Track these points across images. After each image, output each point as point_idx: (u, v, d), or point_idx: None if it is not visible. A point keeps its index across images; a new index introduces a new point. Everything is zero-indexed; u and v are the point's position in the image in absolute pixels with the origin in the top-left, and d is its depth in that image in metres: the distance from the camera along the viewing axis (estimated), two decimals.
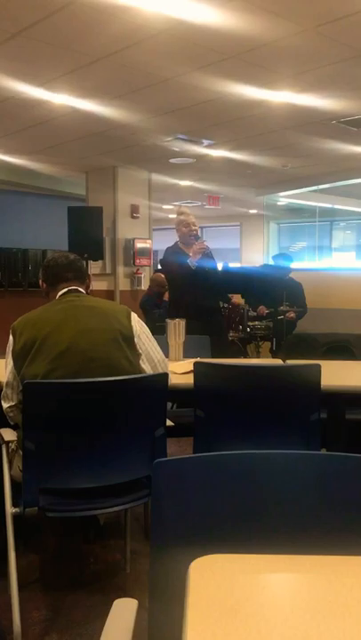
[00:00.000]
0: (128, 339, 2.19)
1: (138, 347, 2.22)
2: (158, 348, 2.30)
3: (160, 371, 2.25)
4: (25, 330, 2.12)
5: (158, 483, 1.11)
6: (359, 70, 4.73)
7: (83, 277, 2.36)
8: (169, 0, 3.56)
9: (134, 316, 2.27)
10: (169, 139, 6.95)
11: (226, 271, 6.16)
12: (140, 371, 2.22)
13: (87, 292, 2.37)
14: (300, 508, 1.17)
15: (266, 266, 7.88)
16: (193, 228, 4.49)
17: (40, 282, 2.40)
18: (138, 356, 2.22)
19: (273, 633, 0.73)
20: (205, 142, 7.12)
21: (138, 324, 2.26)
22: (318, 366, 2.29)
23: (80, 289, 2.31)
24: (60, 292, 2.28)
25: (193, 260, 4.34)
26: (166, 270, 4.77)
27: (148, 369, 2.24)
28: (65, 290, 2.28)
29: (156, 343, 2.31)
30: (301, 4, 3.62)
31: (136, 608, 0.95)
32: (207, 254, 4.50)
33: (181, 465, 1.15)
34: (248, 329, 6.70)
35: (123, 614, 0.92)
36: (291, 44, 4.18)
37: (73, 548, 2.76)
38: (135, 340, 2.21)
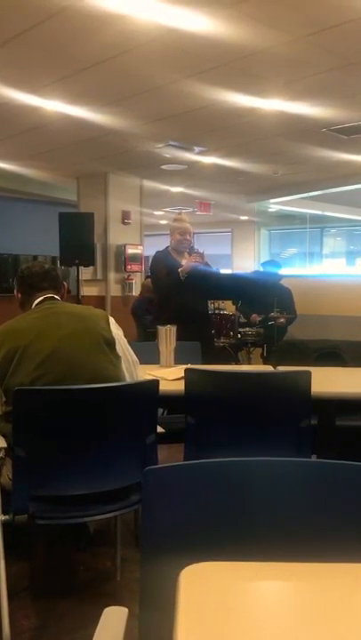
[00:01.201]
0: (110, 343, 2.20)
1: (118, 350, 2.24)
2: (132, 350, 2.34)
3: (133, 370, 2.28)
4: (5, 340, 2.11)
5: (149, 491, 1.10)
6: (349, 79, 4.77)
7: (58, 286, 2.35)
8: (161, 8, 3.58)
9: (112, 320, 2.28)
10: (160, 145, 6.97)
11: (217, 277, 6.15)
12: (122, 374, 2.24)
13: (62, 300, 2.37)
14: (291, 515, 1.17)
15: (257, 272, 7.90)
16: (187, 238, 4.45)
17: (15, 292, 2.38)
18: (119, 359, 2.24)
19: None
20: (197, 149, 7.15)
21: (116, 328, 2.28)
22: (309, 373, 2.30)
23: (56, 297, 2.30)
24: (36, 301, 2.26)
25: (184, 272, 4.30)
26: (154, 275, 4.74)
27: (125, 371, 2.26)
28: (41, 298, 2.27)
29: (129, 346, 2.34)
30: (292, 14, 3.65)
31: (126, 616, 0.95)
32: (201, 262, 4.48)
33: (172, 473, 1.15)
34: (239, 335, 6.71)
35: (113, 623, 0.92)
36: (281, 53, 4.21)
37: (63, 556, 2.75)
38: (116, 344, 2.23)
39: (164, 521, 1.12)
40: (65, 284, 2.43)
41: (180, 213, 5.42)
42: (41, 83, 4.93)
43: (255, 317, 6.68)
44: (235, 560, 0.93)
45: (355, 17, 3.66)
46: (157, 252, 4.59)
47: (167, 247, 4.52)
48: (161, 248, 4.63)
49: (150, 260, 5.03)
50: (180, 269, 4.30)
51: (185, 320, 4.01)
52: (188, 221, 4.62)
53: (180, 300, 4.30)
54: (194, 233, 4.67)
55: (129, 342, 2.36)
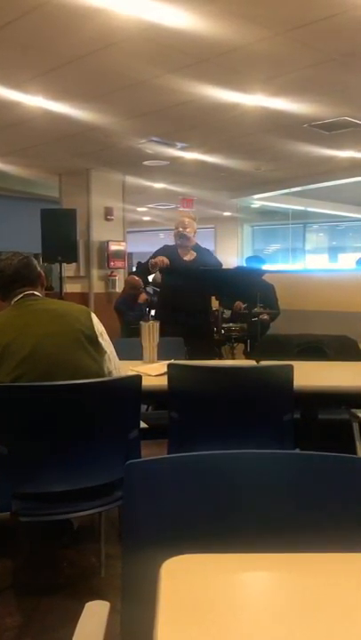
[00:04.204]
0: (91, 338, 2.19)
1: (103, 345, 2.23)
2: (115, 353, 2.32)
3: (115, 374, 2.27)
4: None
5: (130, 485, 1.10)
6: (330, 75, 4.79)
7: (34, 280, 2.28)
8: (143, 3, 3.56)
9: (94, 315, 2.27)
10: (143, 141, 6.95)
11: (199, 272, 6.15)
12: (106, 369, 2.23)
13: (44, 288, 2.33)
14: (274, 507, 1.17)
15: (239, 267, 7.91)
16: (180, 230, 4.43)
17: None
18: (103, 354, 2.23)
19: (245, 631, 0.73)
20: (179, 145, 7.14)
21: (99, 324, 2.26)
22: (291, 367, 2.31)
23: (36, 292, 2.26)
24: (16, 298, 2.23)
25: (154, 266, 4.31)
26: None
27: (112, 367, 2.26)
28: (21, 295, 2.23)
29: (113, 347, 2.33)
30: (272, 10, 3.66)
31: (108, 610, 0.95)
32: (201, 256, 4.49)
33: (153, 466, 1.15)
34: (223, 330, 6.72)
35: (94, 617, 0.91)
36: (262, 49, 4.22)
37: (47, 553, 2.73)
38: (99, 338, 2.22)
39: (146, 515, 1.12)
40: (42, 273, 2.37)
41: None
42: (21, 78, 4.88)
43: (239, 305, 6.68)
44: (218, 552, 0.93)
45: (334, 13, 3.68)
46: (164, 245, 4.59)
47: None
48: (144, 244, 4.66)
49: (135, 260, 5.06)
50: (151, 261, 4.31)
51: (185, 317, 4.01)
52: (189, 215, 4.60)
53: (181, 296, 4.33)
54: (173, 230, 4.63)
55: (112, 339, 2.34)
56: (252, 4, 3.57)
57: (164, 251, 4.48)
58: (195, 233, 4.52)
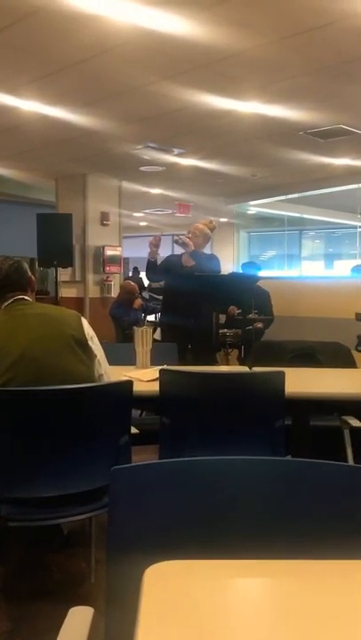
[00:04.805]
0: (81, 342, 2.19)
1: (93, 349, 2.23)
2: (104, 357, 2.31)
3: (105, 378, 2.26)
4: None
5: (116, 490, 1.10)
6: (325, 83, 4.82)
7: (24, 285, 2.28)
8: (138, 10, 3.58)
9: (84, 320, 2.27)
10: (139, 147, 6.97)
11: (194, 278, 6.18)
12: (96, 373, 2.23)
13: (35, 293, 2.33)
14: (262, 513, 1.17)
15: (234, 273, 7.92)
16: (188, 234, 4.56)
17: None
18: (93, 357, 2.23)
19: (227, 638, 0.73)
20: (175, 151, 7.16)
21: (89, 329, 2.26)
22: (282, 373, 2.31)
23: (26, 297, 2.26)
24: (6, 303, 2.23)
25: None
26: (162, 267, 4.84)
27: (101, 372, 2.25)
28: (11, 300, 2.23)
29: (102, 351, 2.32)
30: (267, 17, 3.68)
31: (92, 616, 0.95)
32: (199, 262, 4.56)
33: (140, 472, 1.15)
34: (217, 336, 6.72)
35: (77, 623, 0.91)
36: (257, 56, 4.24)
37: (37, 558, 2.72)
38: (89, 342, 2.22)
39: (131, 520, 1.11)
40: (32, 277, 2.37)
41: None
42: (17, 83, 4.90)
43: (233, 310, 6.69)
44: (205, 559, 0.93)
45: (329, 21, 3.70)
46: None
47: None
48: (140, 250, 4.75)
49: (130, 265, 5.17)
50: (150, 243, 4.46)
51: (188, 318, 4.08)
52: (202, 223, 4.69)
53: (184, 299, 4.43)
54: (173, 234, 4.73)
55: (107, 344, 2.34)
56: (248, 11, 3.59)
57: (168, 259, 4.64)
58: (202, 240, 4.65)
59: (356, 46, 4.08)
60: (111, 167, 8.17)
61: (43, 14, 3.65)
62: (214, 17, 3.67)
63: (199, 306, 4.74)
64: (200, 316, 4.76)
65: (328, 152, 7.15)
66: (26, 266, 2.35)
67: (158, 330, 4.72)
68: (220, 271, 4.90)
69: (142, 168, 8.05)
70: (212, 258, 4.89)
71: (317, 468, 1.20)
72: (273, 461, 1.28)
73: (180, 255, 4.66)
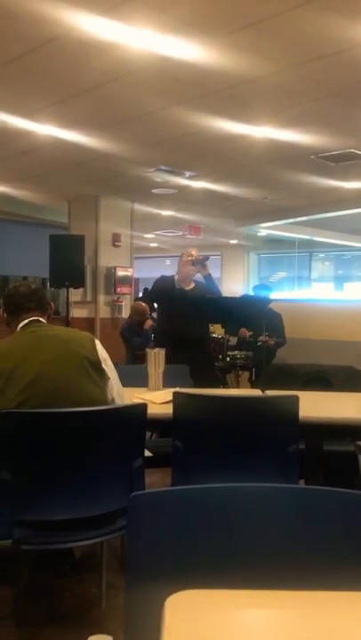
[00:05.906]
0: (95, 364, 2.20)
1: (106, 371, 2.23)
2: (118, 379, 2.32)
3: (118, 400, 2.26)
4: None
5: (134, 516, 1.10)
6: (336, 108, 4.87)
7: (44, 307, 2.35)
8: (154, 37, 3.65)
9: (98, 342, 2.28)
10: (151, 170, 7.04)
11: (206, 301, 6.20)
12: (109, 395, 2.23)
13: (48, 320, 2.36)
14: (278, 542, 1.16)
15: (246, 296, 7.94)
16: (189, 257, 4.51)
17: (1, 311, 2.39)
18: (107, 380, 2.23)
19: None
20: (187, 174, 7.22)
21: (103, 351, 2.27)
22: (296, 397, 2.30)
23: (41, 319, 2.30)
24: (22, 324, 2.26)
25: (181, 281, 4.38)
26: (154, 292, 4.77)
27: (114, 394, 2.25)
28: (26, 321, 2.26)
29: (116, 373, 2.32)
30: (281, 44, 3.73)
31: None
32: (200, 285, 4.53)
33: (158, 498, 1.14)
34: (228, 358, 6.72)
35: None
36: (271, 82, 4.30)
37: (47, 582, 2.70)
38: (102, 365, 2.23)
39: (149, 547, 1.11)
40: (52, 304, 2.43)
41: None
42: (34, 107, 4.98)
43: (244, 332, 6.69)
44: (221, 587, 0.92)
45: (341, 48, 3.75)
46: (162, 276, 4.65)
47: (174, 275, 4.60)
48: (151, 271, 4.72)
49: (141, 285, 5.12)
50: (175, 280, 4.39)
51: (185, 346, 4.01)
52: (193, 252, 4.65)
53: (180, 324, 4.34)
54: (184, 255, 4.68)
55: (117, 365, 2.35)
56: (262, 38, 3.65)
57: (162, 280, 4.55)
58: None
59: None
60: (124, 189, 8.25)
61: (61, 41, 3.73)
62: (228, 44, 3.73)
63: (198, 329, 4.67)
64: (199, 340, 4.70)
65: (339, 176, 7.19)
66: (44, 291, 2.39)
67: None
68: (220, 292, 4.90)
69: (154, 190, 8.13)
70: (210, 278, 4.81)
71: (331, 497, 1.19)
72: (290, 490, 1.28)
73: (171, 276, 4.56)
